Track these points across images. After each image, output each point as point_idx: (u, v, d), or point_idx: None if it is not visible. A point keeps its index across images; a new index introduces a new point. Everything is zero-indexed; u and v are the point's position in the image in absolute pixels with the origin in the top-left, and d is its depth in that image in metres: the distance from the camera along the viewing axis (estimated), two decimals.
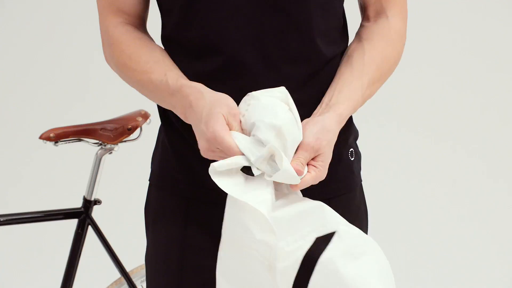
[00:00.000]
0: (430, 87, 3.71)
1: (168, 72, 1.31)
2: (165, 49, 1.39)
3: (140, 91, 1.38)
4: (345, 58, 1.37)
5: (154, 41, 1.40)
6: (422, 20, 3.57)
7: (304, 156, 1.22)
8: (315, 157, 1.23)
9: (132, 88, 1.40)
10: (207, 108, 1.22)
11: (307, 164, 1.23)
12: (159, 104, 1.38)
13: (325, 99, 1.31)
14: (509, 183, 3.62)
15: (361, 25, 1.43)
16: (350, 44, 1.41)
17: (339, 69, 1.36)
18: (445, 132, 3.68)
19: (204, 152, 1.22)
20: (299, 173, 1.19)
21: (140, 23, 1.42)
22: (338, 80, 1.33)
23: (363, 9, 1.43)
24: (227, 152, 1.18)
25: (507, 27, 3.69)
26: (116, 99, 3.34)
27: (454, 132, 3.67)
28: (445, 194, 3.60)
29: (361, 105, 1.34)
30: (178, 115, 1.31)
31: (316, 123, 1.25)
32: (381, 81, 1.37)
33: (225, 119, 1.20)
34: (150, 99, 1.38)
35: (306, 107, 1.31)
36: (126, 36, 1.37)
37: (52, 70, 3.69)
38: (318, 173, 1.22)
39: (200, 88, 1.26)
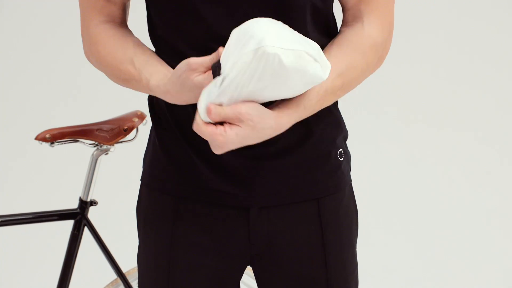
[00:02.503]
0: (422, 87, 3.72)
1: (142, 73, 1.32)
2: (158, 51, 1.39)
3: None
4: None
5: (130, 35, 1.42)
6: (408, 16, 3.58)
7: (226, 111, 1.18)
8: (233, 124, 1.20)
9: (128, 88, 1.41)
10: (181, 95, 1.24)
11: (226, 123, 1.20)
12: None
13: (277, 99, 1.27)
14: (505, 184, 3.62)
15: (339, 31, 1.40)
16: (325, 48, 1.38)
17: None
18: (438, 132, 3.69)
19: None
20: (209, 111, 1.18)
21: (122, 15, 1.44)
22: None
23: (343, 12, 1.40)
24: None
25: (493, 23, 3.70)
26: (112, 99, 3.34)
27: (447, 131, 3.68)
28: (438, 193, 3.60)
29: (311, 113, 1.29)
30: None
31: (263, 108, 1.22)
32: (344, 89, 1.32)
33: (189, 70, 1.21)
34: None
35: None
36: (103, 35, 1.39)
37: (48, 71, 3.70)
38: (222, 138, 1.19)
39: (167, 88, 1.27)
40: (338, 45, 1.33)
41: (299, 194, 1.39)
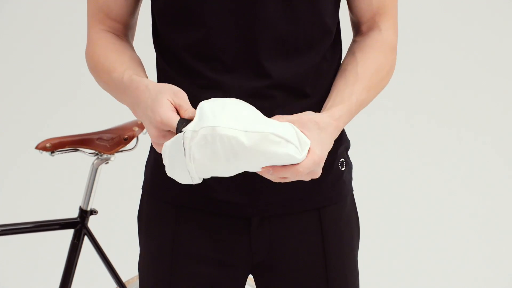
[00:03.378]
0: (424, 97, 3.72)
1: (126, 71, 1.32)
2: (162, 59, 1.39)
3: (107, 91, 1.39)
4: (339, 72, 1.38)
5: (130, 48, 1.42)
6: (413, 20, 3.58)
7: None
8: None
9: None
10: (152, 96, 1.22)
11: None
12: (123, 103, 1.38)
13: (323, 109, 1.32)
14: (503, 195, 3.62)
15: (354, 41, 1.44)
16: (344, 59, 1.42)
17: (334, 83, 1.37)
18: (441, 142, 3.69)
19: (156, 139, 1.21)
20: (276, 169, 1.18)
21: (125, 31, 1.45)
22: (332, 91, 1.35)
23: (357, 25, 1.44)
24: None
25: (495, 26, 3.71)
26: (113, 108, 3.34)
27: (450, 139, 3.68)
28: (440, 203, 3.60)
29: (357, 109, 1.33)
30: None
31: (314, 130, 1.23)
32: (375, 90, 1.37)
33: (170, 102, 1.20)
34: (117, 100, 1.38)
35: (288, 90, 1.32)
36: (102, 40, 1.40)
37: (48, 80, 3.70)
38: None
39: (147, 82, 1.26)
40: (362, 51, 1.38)
41: (301, 204, 1.39)
